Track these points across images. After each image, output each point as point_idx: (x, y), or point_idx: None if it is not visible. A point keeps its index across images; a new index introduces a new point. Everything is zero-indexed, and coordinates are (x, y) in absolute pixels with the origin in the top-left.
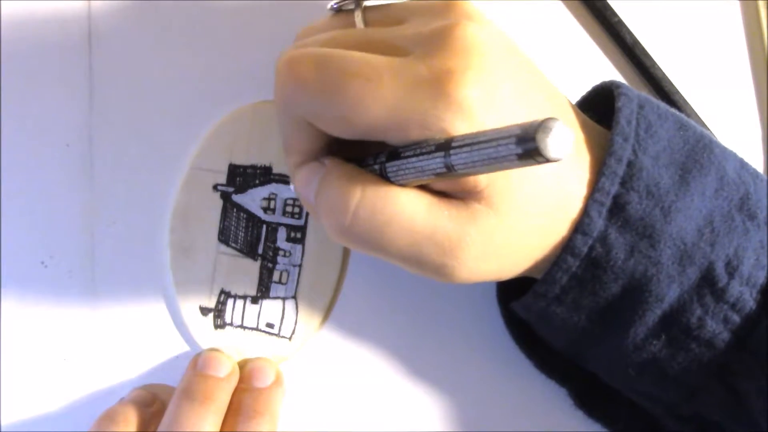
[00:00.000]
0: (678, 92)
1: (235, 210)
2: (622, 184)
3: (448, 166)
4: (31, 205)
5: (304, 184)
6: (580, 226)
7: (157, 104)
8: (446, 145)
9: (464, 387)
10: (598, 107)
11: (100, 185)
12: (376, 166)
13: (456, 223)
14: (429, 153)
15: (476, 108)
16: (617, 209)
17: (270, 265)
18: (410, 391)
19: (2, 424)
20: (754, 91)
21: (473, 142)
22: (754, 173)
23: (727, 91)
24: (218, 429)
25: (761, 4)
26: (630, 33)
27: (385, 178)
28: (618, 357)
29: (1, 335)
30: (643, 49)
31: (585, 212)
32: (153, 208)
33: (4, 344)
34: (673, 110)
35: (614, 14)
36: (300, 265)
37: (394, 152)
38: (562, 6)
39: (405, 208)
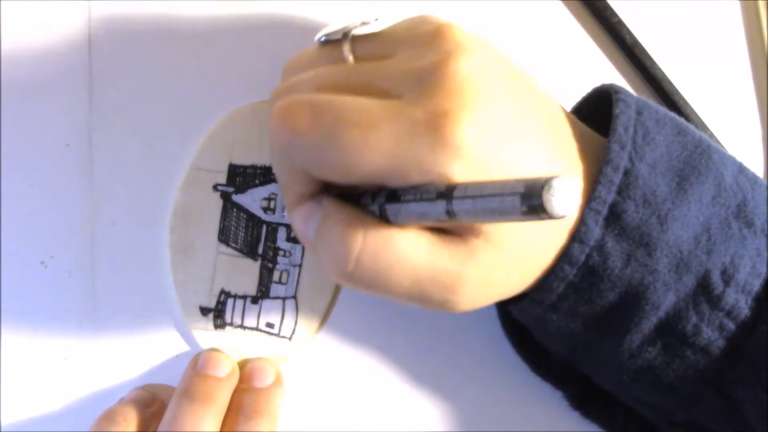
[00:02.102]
0: (678, 93)
1: (235, 210)
2: (619, 192)
3: (449, 213)
4: (31, 205)
5: (303, 224)
6: (577, 235)
7: (157, 104)
8: (448, 194)
9: (463, 387)
10: (597, 110)
11: (100, 185)
12: (375, 207)
13: (456, 260)
14: (430, 200)
15: (474, 149)
16: (614, 218)
17: (270, 265)
18: (409, 391)
19: (2, 424)
20: (754, 91)
21: (476, 194)
22: (752, 178)
23: (727, 91)
24: (218, 429)
25: (761, 4)
26: (630, 33)
27: (384, 218)
28: (613, 363)
29: (1, 335)
30: (643, 49)
31: (582, 221)
32: (153, 208)
33: (4, 344)
34: (672, 114)
35: (614, 14)
36: (300, 265)
37: (393, 194)
38: (562, 6)
39: (407, 251)
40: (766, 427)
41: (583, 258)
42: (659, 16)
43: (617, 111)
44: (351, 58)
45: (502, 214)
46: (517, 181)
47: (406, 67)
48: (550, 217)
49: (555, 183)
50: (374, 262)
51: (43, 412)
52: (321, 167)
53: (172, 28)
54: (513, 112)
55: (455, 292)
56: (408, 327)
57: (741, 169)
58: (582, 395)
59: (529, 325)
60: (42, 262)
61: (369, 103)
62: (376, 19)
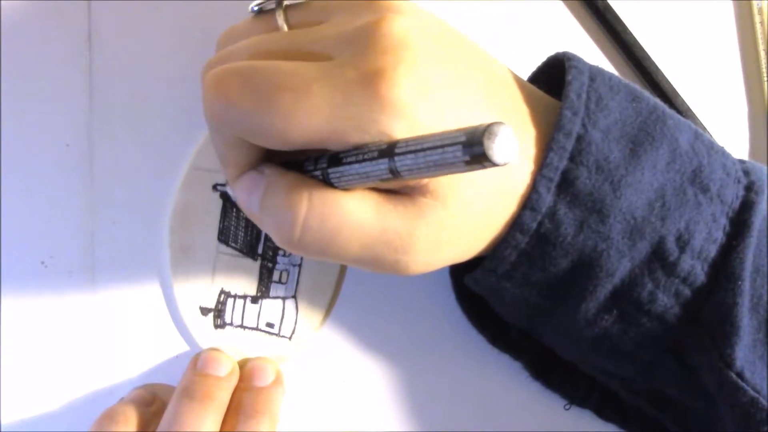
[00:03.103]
0: (678, 93)
1: (234, 210)
2: (571, 158)
3: (393, 172)
4: (31, 205)
5: (246, 195)
6: (528, 202)
7: (157, 104)
8: (389, 152)
9: (465, 386)
10: (553, 79)
11: (100, 185)
12: (318, 172)
13: (404, 220)
14: (372, 159)
15: (412, 106)
16: (566, 184)
17: (270, 264)
18: (410, 391)
19: (2, 424)
20: (754, 92)
21: (417, 148)
22: (709, 144)
23: (727, 92)
24: (218, 428)
25: (764, 4)
26: (630, 33)
27: (328, 183)
28: (570, 332)
29: (1, 335)
30: (642, 49)
31: (533, 188)
32: (153, 208)
33: (4, 344)
34: (626, 81)
35: (614, 14)
36: (300, 265)
37: (335, 157)
38: (562, 6)
39: (353, 214)
40: (723, 394)
41: (534, 226)
42: (660, 16)
43: (570, 77)
44: (285, 26)
45: (445, 166)
46: (458, 131)
47: (338, 29)
48: (493, 164)
49: (495, 129)
50: (321, 226)
51: (43, 412)
52: (257, 134)
53: (173, 28)
54: (451, 70)
55: (406, 253)
56: (409, 325)
57: (697, 135)
58: (542, 365)
59: (485, 295)
60: (42, 262)
61: (301, 66)
62: None
